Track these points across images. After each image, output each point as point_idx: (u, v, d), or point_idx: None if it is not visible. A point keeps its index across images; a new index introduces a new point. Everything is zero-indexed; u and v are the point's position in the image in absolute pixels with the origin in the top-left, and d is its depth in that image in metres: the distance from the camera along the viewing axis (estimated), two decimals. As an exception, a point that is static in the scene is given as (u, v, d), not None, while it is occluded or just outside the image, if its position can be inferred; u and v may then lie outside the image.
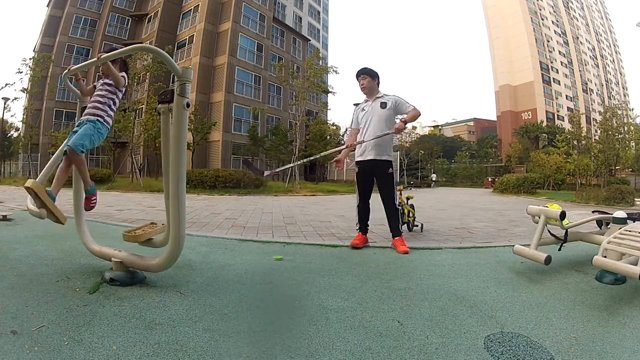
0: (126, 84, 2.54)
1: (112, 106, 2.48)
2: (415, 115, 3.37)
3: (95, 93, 2.48)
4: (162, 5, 26.02)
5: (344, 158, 3.72)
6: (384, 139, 3.42)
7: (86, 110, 2.43)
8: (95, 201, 2.55)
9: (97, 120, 2.39)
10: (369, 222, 3.61)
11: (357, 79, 3.57)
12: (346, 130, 34.48)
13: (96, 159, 23.37)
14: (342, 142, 33.28)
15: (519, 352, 1.45)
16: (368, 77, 3.52)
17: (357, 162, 3.56)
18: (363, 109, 3.57)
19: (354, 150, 3.63)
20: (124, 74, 2.52)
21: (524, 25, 52.99)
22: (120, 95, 2.54)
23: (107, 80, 2.48)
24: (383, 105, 3.46)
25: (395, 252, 3.27)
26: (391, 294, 2.12)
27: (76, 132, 2.37)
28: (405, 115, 3.37)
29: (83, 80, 2.55)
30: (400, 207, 4.33)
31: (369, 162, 3.45)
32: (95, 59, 2.14)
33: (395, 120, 3.49)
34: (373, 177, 3.52)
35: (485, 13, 58.85)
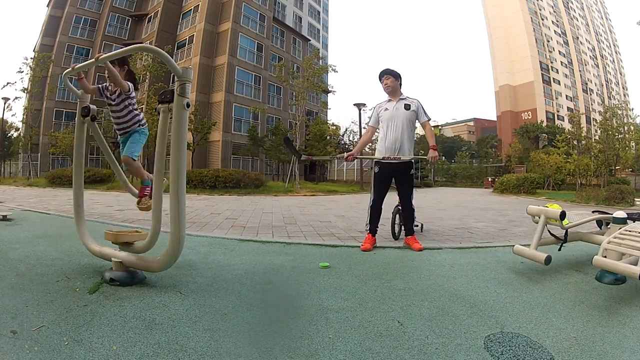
0: (132, 93, 2.55)
1: (134, 110, 2.62)
2: (431, 130, 3.57)
3: (111, 110, 2.57)
4: (162, 5, 26.00)
5: (357, 153, 3.72)
6: (409, 140, 3.50)
7: (119, 132, 2.65)
8: (148, 192, 2.70)
9: (138, 129, 2.65)
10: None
11: (380, 80, 3.61)
12: (346, 130, 34.60)
13: (96, 159, 23.34)
14: (342, 142, 33.34)
15: (519, 352, 1.45)
16: (391, 77, 3.55)
17: (378, 163, 3.58)
18: (386, 109, 3.59)
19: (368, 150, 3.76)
20: (130, 84, 2.52)
21: (524, 25, 52.98)
22: (134, 97, 2.61)
23: (110, 95, 2.53)
24: (407, 107, 3.51)
25: (396, 252, 3.28)
26: (391, 294, 2.12)
27: (124, 142, 2.65)
28: (426, 130, 3.59)
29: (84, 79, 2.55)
30: (400, 207, 4.33)
31: (398, 163, 3.48)
32: (93, 59, 2.15)
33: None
34: (392, 178, 3.57)
35: (486, 13, 58.84)
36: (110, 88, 2.53)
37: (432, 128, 3.63)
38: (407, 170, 3.53)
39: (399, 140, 3.46)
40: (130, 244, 2.33)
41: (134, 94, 2.58)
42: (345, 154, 3.60)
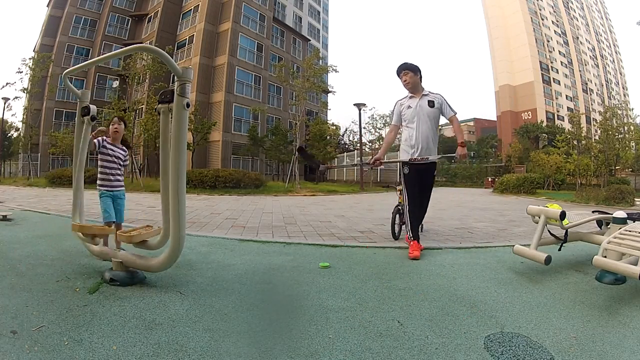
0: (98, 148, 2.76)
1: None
2: (459, 125, 3.37)
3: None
4: (162, 5, 26.00)
5: (383, 157, 3.52)
6: (434, 139, 3.34)
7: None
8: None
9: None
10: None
11: (399, 76, 3.38)
12: (346, 130, 34.59)
13: (96, 159, 23.35)
14: (342, 141, 33.32)
15: (519, 352, 1.45)
16: (410, 73, 3.31)
17: (406, 163, 3.36)
18: (409, 106, 3.37)
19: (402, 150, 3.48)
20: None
21: (524, 25, 53.00)
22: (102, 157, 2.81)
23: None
24: (431, 103, 3.31)
25: (396, 252, 3.28)
26: (391, 294, 2.12)
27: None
28: (454, 126, 3.40)
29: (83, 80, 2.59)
30: (400, 207, 4.32)
31: (424, 163, 3.31)
32: (87, 62, 2.19)
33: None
34: (421, 178, 3.37)
35: (486, 13, 58.84)
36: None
37: (459, 124, 3.41)
38: (432, 172, 3.38)
39: (425, 139, 3.27)
40: (146, 241, 2.32)
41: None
42: (371, 159, 3.38)
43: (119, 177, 2.83)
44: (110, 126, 2.83)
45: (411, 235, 3.28)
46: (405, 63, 3.36)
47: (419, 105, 3.31)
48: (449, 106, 3.34)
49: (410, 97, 3.39)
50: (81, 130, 2.54)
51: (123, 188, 2.89)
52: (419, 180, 3.33)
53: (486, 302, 2.01)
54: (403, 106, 3.42)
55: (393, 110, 3.54)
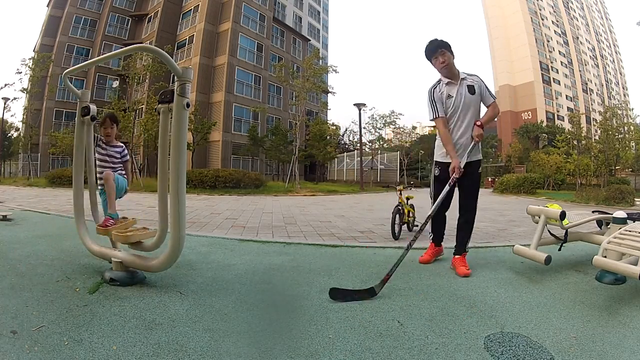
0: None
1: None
2: (496, 113, 2.75)
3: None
4: (162, 5, 26.00)
5: (458, 159, 2.69)
6: (471, 134, 2.69)
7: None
8: (110, 223, 2.46)
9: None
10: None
11: (431, 59, 2.74)
12: (346, 130, 34.56)
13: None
14: (342, 141, 33.30)
15: (519, 352, 1.45)
16: (447, 52, 2.67)
17: (439, 163, 2.83)
18: (449, 95, 2.70)
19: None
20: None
21: (524, 25, 53.04)
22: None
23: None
24: (471, 89, 2.69)
25: (396, 252, 3.26)
26: (391, 294, 2.12)
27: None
28: (488, 112, 2.73)
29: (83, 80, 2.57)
30: (400, 207, 4.32)
31: (467, 164, 2.69)
32: (86, 62, 2.18)
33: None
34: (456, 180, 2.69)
35: (486, 13, 58.88)
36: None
37: (497, 111, 2.80)
38: (476, 170, 2.75)
39: (470, 134, 2.68)
40: (141, 242, 2.30)
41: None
42: (453, 169, 2.62)
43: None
44: (102, 130, 2.79)
45: (430, 238, 2.97)
46: (436, 40, 2.71)
47: (459, 93, 2.68)
48: (488, 90, 2.75)
49: (448, 84, 2.72)
50: (81, 130, 2.54)
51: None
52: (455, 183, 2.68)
53: (486, 302, 2.01)
54: (443, 95, 2.72)
55: (432, 100, 2.75)
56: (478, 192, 2.81)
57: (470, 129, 2.68)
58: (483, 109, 2.78)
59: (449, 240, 4.09)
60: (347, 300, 2.00)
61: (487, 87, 2.76)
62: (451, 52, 2.70)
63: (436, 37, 2.74)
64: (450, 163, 2.67)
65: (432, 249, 2.96)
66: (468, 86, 2.69)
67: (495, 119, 2.93)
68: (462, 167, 2.61)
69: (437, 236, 2.95)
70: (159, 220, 2.14)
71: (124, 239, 2.23)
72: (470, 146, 2.67)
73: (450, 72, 2.70)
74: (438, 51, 2.67)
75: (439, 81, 2.77)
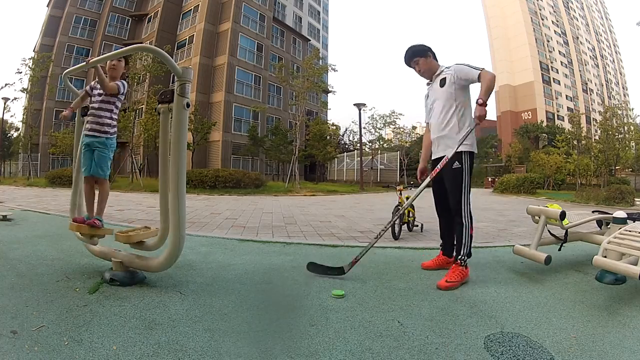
0: (123, 91, 2.44)
1: (113, 116, 2.46)
2: (489, 81, 2.42)
3: (91, 106, 2.42)
4: (162, 5, 26.00)
5: (424, 165, 2.92)
6: (450, 123, 2.55)
7: (88, 125, 2.40)
8: (96, 224, 2.33)
9: (106, 138, 2.41)
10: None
11: (410, 66, 2.75)
12: (346, 130, 34.59)
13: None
14: (342, 141, 33.30)
15: (519, 352, 1.45)
16: (421, 59, 2.66)
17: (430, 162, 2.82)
18: (427, 96, 2.78)
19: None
20: (119, 83, 2.41)
21: (524, 25, 53.05)
22: (119, 103, 2.48)
23: (100, 91, 2.40)
24: (442, 82, 2.60)
25: (396, 252, 3.26)
26: (391, 294, 2.12)
27: (87, 151, 2.39)
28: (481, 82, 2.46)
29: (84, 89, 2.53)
30: (399, 208, 4.31)
31: (436, 160, 2.66)
32: (83, 63, 2.17)
33: (463, 98, 2.57)
34: (442, 177, 2.57)
35: (485, 13, 58.89)
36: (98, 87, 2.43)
37: (494, 78, 2.49)
38: (449, 165, 2.49)
39: (439, 129, 2.61)
40: (143, 242, 2.29)
41: (119, 102, 2.47)
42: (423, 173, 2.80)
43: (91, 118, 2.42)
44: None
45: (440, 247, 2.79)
46: (410, 48, 2.69)
47: (433, 89, 2.70)
48: (469, 67, 2.53)
49: (428, 84, 2.78)
50: (81, 130, 2.54)
51: (96, 133, 2.39)
52: (440, 180, 2.60)
53: (486, 302, 2.01)
54: (425, 97, 2.81)
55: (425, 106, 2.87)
56: (458, 190, 2.49)
57: (441, 123, 2.59)
58: (464, 100, 2.57)
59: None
60: (319, 273, 2.44)
61: (466, 66, 2.55)
62: (427, 55, 2.67)
63: (412, 45, 2.73)
64: (434, 160, 2.71)
65: (439, 258, 2.75)
66: (440, 80, 2.63)
67: (494, 90, 2.75)
68: (434, 158, 2.67)
69: (446, 244, 2.75)
70: (160, 219, 2.14)
71: (126, 239, 2.22)
72: (440, 140, 2.61)
73: (430, 76, 2.72)
74: (412, 61, 2.71)
75: (426, 84, 2.80)
